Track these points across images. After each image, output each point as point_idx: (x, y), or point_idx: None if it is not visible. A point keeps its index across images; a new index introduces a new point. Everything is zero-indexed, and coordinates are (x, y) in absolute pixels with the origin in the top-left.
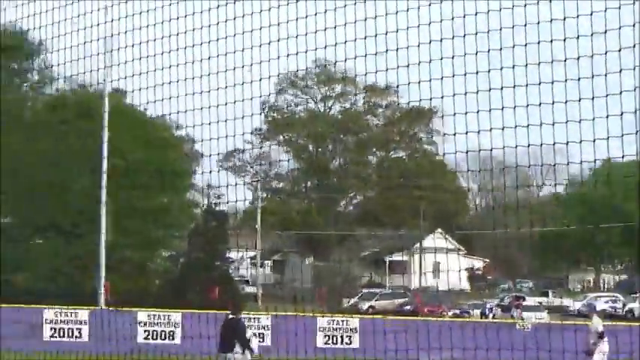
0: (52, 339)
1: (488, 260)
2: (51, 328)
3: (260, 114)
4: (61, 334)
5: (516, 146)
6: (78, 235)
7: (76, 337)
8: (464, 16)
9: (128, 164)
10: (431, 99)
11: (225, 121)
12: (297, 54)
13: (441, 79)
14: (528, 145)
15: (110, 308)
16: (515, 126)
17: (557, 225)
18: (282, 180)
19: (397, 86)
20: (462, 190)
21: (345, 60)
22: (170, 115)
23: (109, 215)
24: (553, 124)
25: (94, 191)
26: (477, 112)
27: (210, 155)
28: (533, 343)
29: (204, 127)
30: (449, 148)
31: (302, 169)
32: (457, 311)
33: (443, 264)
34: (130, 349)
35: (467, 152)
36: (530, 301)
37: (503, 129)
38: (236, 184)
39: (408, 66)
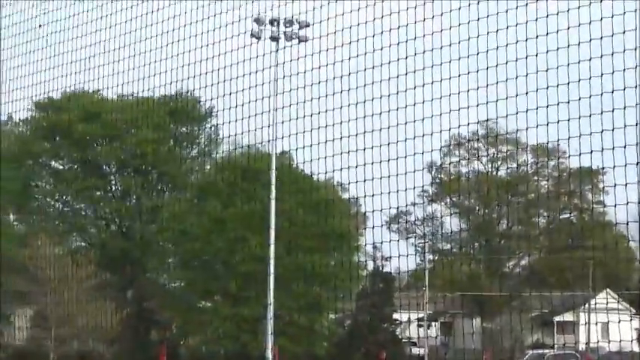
0: None
1: None
2: None
3: (428, 173)
4: None
5: None
6: (245, 298)
7: None
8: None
9: (294, 226)
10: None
11: (389, 177)
12: (467, 112)
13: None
14: None
15: None
16: None
17: None
18: (449, 241)
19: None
20: (631, 250)
21: (514, 117)
22: (333, 173)
23: (276, 278)
24: None
25: (260, 254)
26: None
27: (376, 215)
28: None
29: (370, 188)
30: (619, 210)
31: (469, 231)
32: None
33: (612, 325)
34: None
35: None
36: None
37: None
38: (401, 245)
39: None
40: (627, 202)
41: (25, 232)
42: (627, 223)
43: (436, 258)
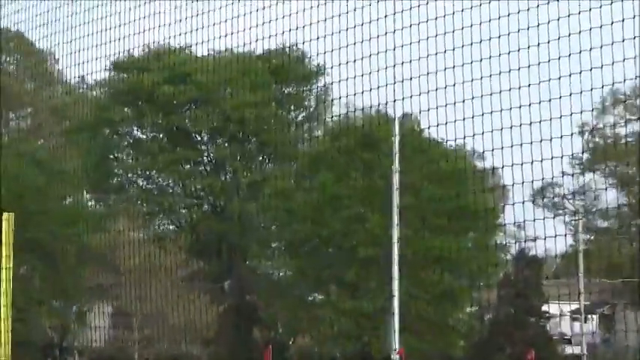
0: None
1: None
2: None
3: (579, 137)
4: None
5: None
6: (365, 289)
7: None
8: None
9: (421, 203)
10: None
11: (531, 143)
12: (623, 65)
13: None
14: None
15: None
16: None
17: None
18: (608, 218)
19: None
20: None
21: None
22: (466, 139)
23: (401, 264)
24: None
25: (381, 236)
26: None
27: (519, 189)
28: None
29: (511, 156)
30: None
31: (631, 205)
32: None
33: None
34: None
35: None
36: None
37: None
38: (551, 224)
39: None
40: None
41: (101, 215)
42: None
43: (592, 238)
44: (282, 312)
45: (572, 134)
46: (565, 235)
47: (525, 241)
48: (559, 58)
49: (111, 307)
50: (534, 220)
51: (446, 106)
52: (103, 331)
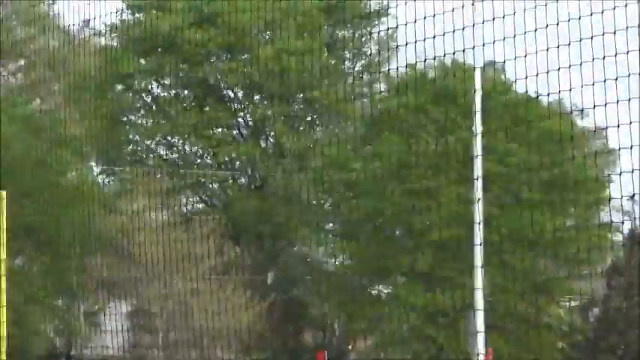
0: None
1: None
2: None
3: None
4: None
5: None
6: (441, 279)
7: None
8: None
9: (509, 172)
10: None
11: None
12: None
13: None
14: None
15: None
16: None
17: None
18: None
19: None
20: None
21: None
22: (562, 93)
23: (485, 247)
24: None
25: (460, 214)
26: None
27: (630, 153)
28: None
29: (619, 113)
30: None
31: None
32: None
33: None
34: None
35: None
36: None
37: None
38: None
39: None
40: None
41: (115, 192)
42: None
43: None
44: (338, 309)
45: None
46: None
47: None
48: None
49: (128, 306)
50: None
51: (536, 53)
52: (120, 336)
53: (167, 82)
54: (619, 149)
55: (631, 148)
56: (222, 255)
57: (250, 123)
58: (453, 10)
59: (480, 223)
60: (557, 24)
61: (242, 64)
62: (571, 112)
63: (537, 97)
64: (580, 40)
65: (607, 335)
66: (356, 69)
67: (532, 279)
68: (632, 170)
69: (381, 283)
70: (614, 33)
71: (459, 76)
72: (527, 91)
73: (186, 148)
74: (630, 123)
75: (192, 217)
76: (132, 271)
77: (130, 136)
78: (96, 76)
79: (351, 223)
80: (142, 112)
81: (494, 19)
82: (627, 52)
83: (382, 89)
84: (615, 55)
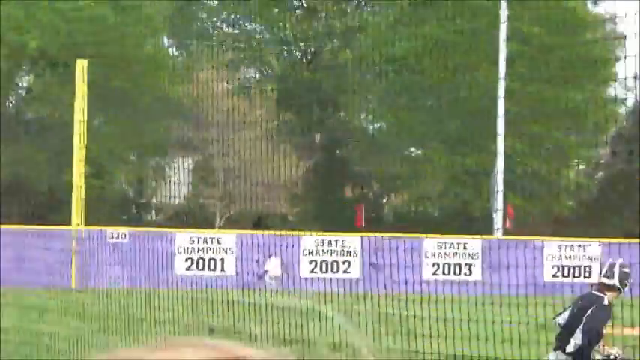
0: (433, 276)
1: None
2: (433, 264)
3: None
4: (445, 270)
5: None
6: (468, 144)
7: (464, 274)
8: None
9: (531, 51)
10: None
11: None
12: None
13: None
14: None
15: (509, 238)
16: None
17: None
18: None
19: None
20: None
21: None
22: None
23: (507, 119)
24: None
25: (489, 88)
26: None
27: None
28: None
29: None
30: None
31: None
32: None
33: None
34: (532, 290)
35: None
36: None
37: None
38: None
39: None
40: None
41: (182, 63)
42: None
43: None
44: (377, 168)
45: None
46: None
47: None
48: None
49: (192, 162)
50: None
51: None
52: (183, 187)
53: None
54: (624, 38)
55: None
56: (276, 119)
57: (305, 4)
58: None
59: (502, 97)
60: None
61: None
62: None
63: None
64: None
65: (608, 196)
66: None
67: (548, 145)
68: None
69: (416, 146)
70: None
71: None
72: None
73: (247, 24)
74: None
75: (251, 87)
76: (196, 132)
77: (199, 14)
78: None
79: (391, 94)
80: None
81: None
82: None
83: None
84: None
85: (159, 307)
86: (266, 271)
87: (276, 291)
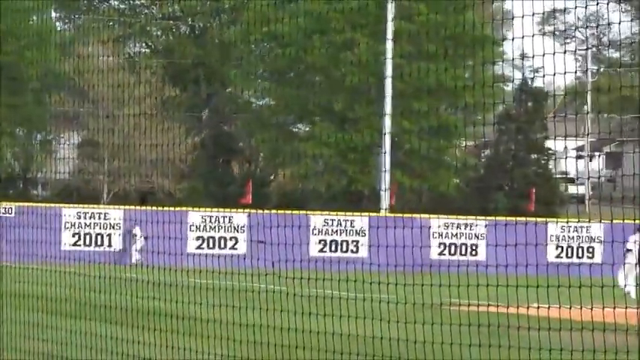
0: (320, 254)
1: None
2: (319, 241)
3: None
4: (333, 247)
5: None
6: (354, 121)
7: (351, 251)
8: None
9: (416, 28)
10: None
11: None
12: None
13: None
14: None
15: (396, 215)
16: None
17: None
18: (620, 48)
19: None
20: None
21: None
22: None
23: (393, 95)
24: None
25: (372, 63)
26: None
27: (524, 16)
28: None
29: None
30: None
31: None
32: None
33: None
34: (419, 269)
35: None
36: None
37: None
38: (557, 53)
39: None
40: None
41: (69, 37)
42: None
43: (602, 69)
44: (263, 144)
45: None
46: (573, 66)
47: (529, 72)
48: None
49: (79, 138)
50: (538, 49)
51: None
52: (70, 163)
53: None
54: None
55: (530, 13)
56: (163, 94)
57: None
58: None
59: (390, 77)
60: None
61: None
62: None
63: None
64: None
65: (496, 173)
66: None
67: (433, 123)
68: (523, 36)
69: (302, 122)
70: None
71: None
72: None
73: (135, 0)
74: None
75: (138, 62)
76: (83, 107)
77: None
78: None
79: (276, 70)
80: None
81: None
82: None
83: None
84: None
85: (45, 282)
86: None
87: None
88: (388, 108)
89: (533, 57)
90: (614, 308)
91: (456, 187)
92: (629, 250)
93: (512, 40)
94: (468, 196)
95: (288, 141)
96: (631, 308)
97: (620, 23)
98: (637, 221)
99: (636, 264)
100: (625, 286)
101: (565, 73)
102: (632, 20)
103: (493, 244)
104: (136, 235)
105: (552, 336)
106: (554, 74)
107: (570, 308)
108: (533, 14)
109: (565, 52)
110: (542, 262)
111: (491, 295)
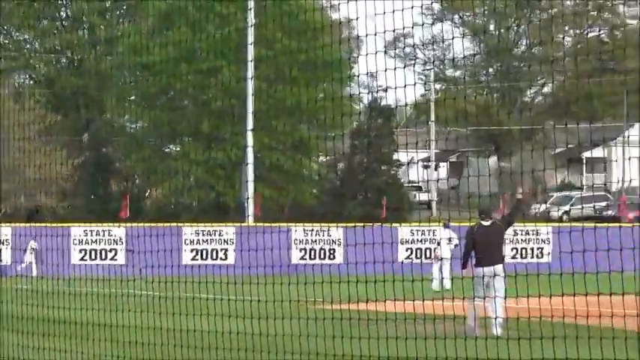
0: (193, 262)
1: None
2: (192, 250)
3: None
4: (204, 255)
5: None
6: (220, 140)
7: (220, 258)
8: None
9: (275, 54)
10: None
11: None
12: None
13: None
14: None
15: (260, 224)
16: None
17: None
18: (459, 68)
19: None
20: None
21: None
22: None
23: (256, 115)
24: None
25: (237, 88)
26: None
27: (372, 39)
28: None
29: (363, 6)
30: None
31: (482, 54)
32: None
33: None
34: (282, 271)
35: None
36: None
37: None
38: (402, 72)
39: None
40: None
41: None
42: None
43: (443, 87)
44: (138, 164)
45: None
46: (417, 84)
47: (378, 91)
48: None
49: None
50: (386, 70)
51: None
52: None
53: None
54: (366, 35)
55: (375, 34)
56: (46, 121)
57: (71, 15)
58: None
59: (251, 96)
60: None
61: None
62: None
63: None
64: None
65: (350, 184)
66: None
67: (293, 140)
68: (376, 52)
69: (172, 143)
70: None
71: None
72: None
73: (18, 35)
74: (376, 14)
75: (22, 91)
76: None
77: None
78: None
79: (149, 96)
80: None
81: None
82: None
83: None
84: None
85: None
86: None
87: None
88: (250, 124)
89: (378, 77)
90: (441, 300)
91: (315, 197)
92: (438, 244)
93: (364, 62)
94: (325, 205)
95: (161, 160)
96: (447, 300)
97: (461, 42)
98: (444, 220)
99: (443, 258)
100: (443, 279)
101: (409, 90)
102: (467, 38)
103: (349, 246)
104: (33, 249)
105: (398, 326)
106: (398, 91)
107: (414, 301)
108: (380, 35)
109: (410, 71)
110: (394, 261)
111: (347, 293)
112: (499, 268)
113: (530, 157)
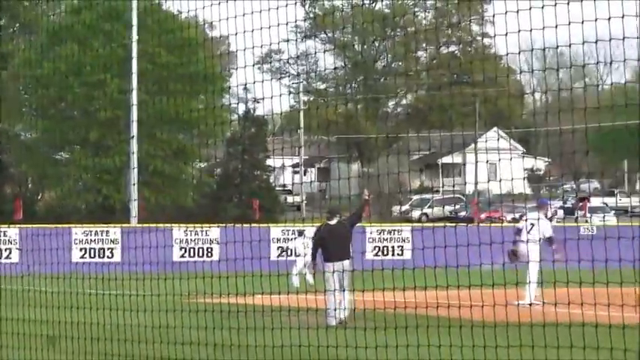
0: (82, 259)
1: (549, 160)
2: (81, 249)
3: (301, 6)
4: (92, 254)
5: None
6: (106, 148)
7: (107, 257)
8: None
9: (157, 69)
10: None
11: (261, 13)
12: None
13: None
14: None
15: (144, 225)
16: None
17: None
18: (325, 81)
19: None
20: (519, 85)
21: None
22: (198, 10)
23: (139, 125)
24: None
25: (121, 99)
26: None
27: (245, 53)
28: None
29: (237, 24)
30: (502, 41)
31: (346, 69)
32: (516, 215)
33: (501, 165)
34: (165, 268)
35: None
36: (595, 201)
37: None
38: (273, 86)
39: None
40: (514, 32)
41: None
42: (518, 53)
43: (311, 99)
44: (31, 170)
45: (295, 4)
46: (287, 96)
47: (251, 102)
48: None
49: None
50: (260, 82)
51: None
52: None
53: None
54: (244, 50)
55: (249, 49)
56: None
57: None
58: None
59: (135, 106)
60: None
61: None
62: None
63: (179, 13)
64: None
65: (226, 188)
66: None
67: (173, 147)
68: (246, 66)
69: (63, 150)
70: None
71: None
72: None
73: None
74: (247, 31)
75: None
76: None
77: None
78: None
79: (41, 107)
80: None
81: None
82: None
83: (63, 9)
84: None
85: None
86: None
87: None
88: (135, 131)
89: (251, 89)
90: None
91: (194, 200)
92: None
93: (238, 76)
94: (203, 207)
95: (53, 166)
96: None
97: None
98: (298, 226)
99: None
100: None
101: (280, 101)
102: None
103: (226, 244)
104: None
105: (274, 317)
106: (270, 102)
107: (279, 294)
108: (252, 50)
109: (280, 84)
110: (267, 257)
111: (224, 287)
112: (347, 263)
113: (387, 162)
